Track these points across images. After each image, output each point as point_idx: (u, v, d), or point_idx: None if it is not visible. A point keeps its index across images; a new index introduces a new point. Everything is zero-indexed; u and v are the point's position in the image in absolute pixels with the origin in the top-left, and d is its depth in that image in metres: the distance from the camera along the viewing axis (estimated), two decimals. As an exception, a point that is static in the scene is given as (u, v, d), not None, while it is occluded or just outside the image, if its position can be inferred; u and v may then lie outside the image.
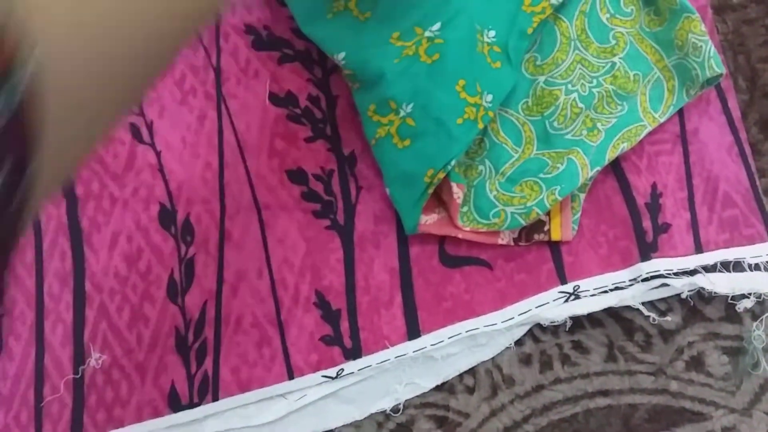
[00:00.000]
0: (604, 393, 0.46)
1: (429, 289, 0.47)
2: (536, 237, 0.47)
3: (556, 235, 0.46)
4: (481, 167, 0.47)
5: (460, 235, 0.46)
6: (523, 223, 0.45)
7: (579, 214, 0.47)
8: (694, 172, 0.48)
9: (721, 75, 0.46)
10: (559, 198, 0.45)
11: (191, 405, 0.45)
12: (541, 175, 0.46)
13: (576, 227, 0.47)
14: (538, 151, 0.47)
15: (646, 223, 0.47)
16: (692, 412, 0.46)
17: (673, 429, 0.45)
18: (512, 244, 0.47)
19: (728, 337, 0.47)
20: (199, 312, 0.46)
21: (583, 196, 0.47)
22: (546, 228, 0.47)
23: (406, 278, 0.47)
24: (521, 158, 0.47)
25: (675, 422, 0.45)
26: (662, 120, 0.48)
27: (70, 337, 0.46)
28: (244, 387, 0.45)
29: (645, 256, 0.46)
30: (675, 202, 0.48)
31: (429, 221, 0.46)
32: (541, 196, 0.45)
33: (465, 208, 0.46)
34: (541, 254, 0.47)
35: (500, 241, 0.47)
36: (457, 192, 0.45)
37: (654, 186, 0.48)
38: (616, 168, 0.48)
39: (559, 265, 0.47)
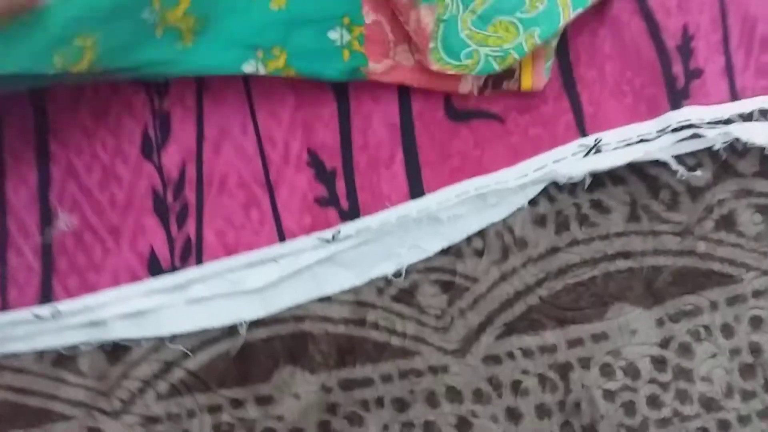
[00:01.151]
0: (626, 255, 0.42)
1: (434, 145, 0.42)
2: (505, 85, 0.41)
3: (527, 84, 0.41)
4: (448, 1, 0.41)
5: (414, 84, 0.41)
6: (498, 68, 0.40)
7: (551, 61, 0.41)
8: (729, 11, 0.43)
9: None
10: (539, 42, 0.39)
11: (173, 269, 0.41)
12: (518, 15, 0.39)
13: (549, 75, 0.41)
14: None
15: (677, 68, 0.42)
16: (721, 275, 0.42)
17: (700, 292, 0.42)
18: (476, 93, 0.42)
19: (762, 195, 0.42)
20: (178, 172, 0.42)
21: (555, 42, 0.41)
22: (516, 75, 0.41)
23: (408, 134, 0.42)
24: None
25: (702, 285, 0.42)
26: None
27: (35, 198, 0.41)
28: (230, 250, 0.41)
29: (675, 104, 0.41)
30: (708, 45, 0.42)
31: (380, 69, 0.41)
32: (519, 39, 0.39)
33: (432, 45, 0.40)
34: (558, 105, 0.42)
35: (462, 90, 0.41)
36: (427, 16, 0.39)
37: (685, 27, 0.43)
38: (643, 7, 0.43)
39: (579, 117, 0.42)
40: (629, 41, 0.43)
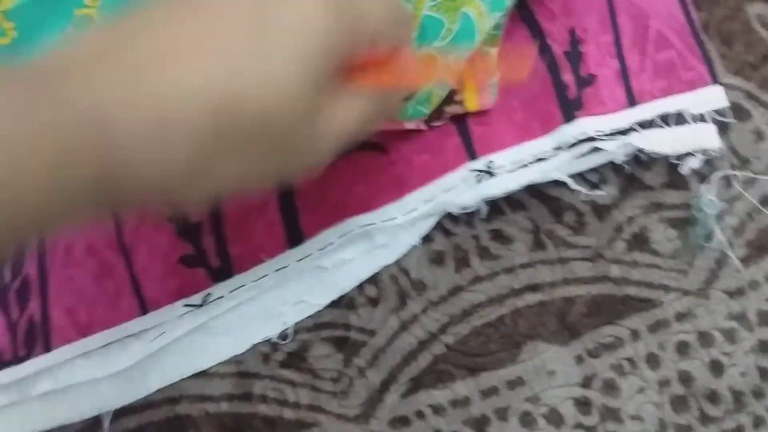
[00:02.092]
0: (534, 288, 0.38)
1: (311, 184, 0.38)
2: (448, 110, 0.37)
3: (472, 105, 0.37)
4: None
5: None
6: (427, 112, 0.36)
7: (497, 78, 0.37)
8: (618, 10, 0.39)
9: None
10: (457, 66, 0.35)
11: (17, 360, 0.35)
12: (438, 43, 0.36)
13: (496, 92, 0.37)
14: (431, 2, 0.37)
15: (567, 76, 0.38)
16: (639, 300, 0.38)
17: (619, 322, 0.38)
18: (423, 127, 0.38)
19: (674, 207, 0.39)
20: (16, 244, 0.36)
21: (495, 51, 0.37)
22: (459, 98, 0.37)
23: (282, 175, 0.38)
24: (414, 17, 0.37)
25: (620, 313, 0.38)
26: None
27: None
28: (83, 330, 0.36)
29: (569, 116, 0.38)
30: (599, 49, 0.39)
31: None
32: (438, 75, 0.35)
33: None
34: (444, 128, 0.38)
35: (407, 126, 0.37)
36: None
37: (572, 32, 0.39)
38: (525, 15, 0.39)
39: (467, 139, 0.38)
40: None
